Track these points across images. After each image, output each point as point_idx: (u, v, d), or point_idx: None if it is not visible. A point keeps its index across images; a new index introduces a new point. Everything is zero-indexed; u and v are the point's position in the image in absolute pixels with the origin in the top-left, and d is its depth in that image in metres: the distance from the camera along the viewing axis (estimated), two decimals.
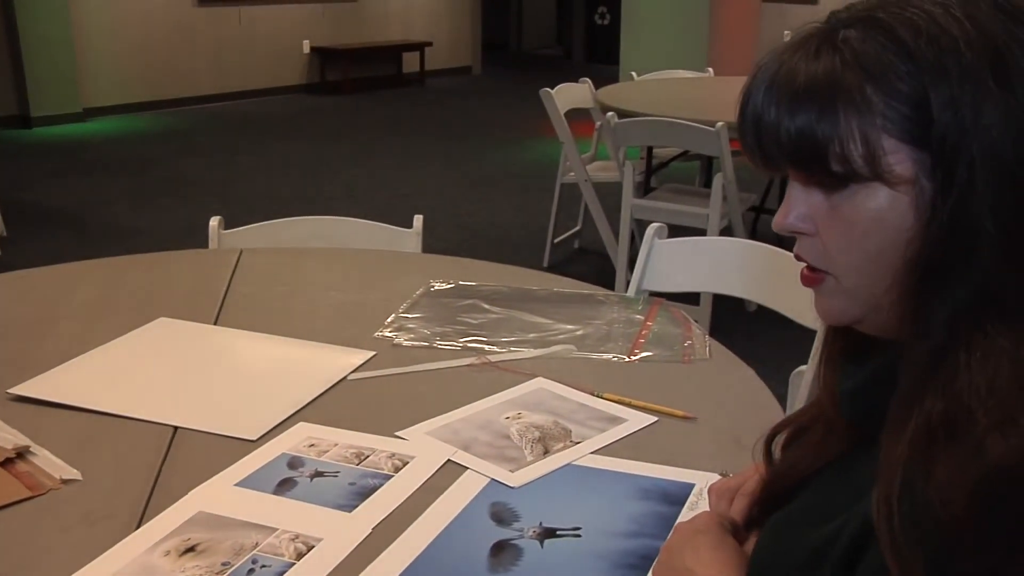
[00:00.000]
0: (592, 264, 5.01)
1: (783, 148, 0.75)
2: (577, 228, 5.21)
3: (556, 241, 5.00)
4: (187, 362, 1.55)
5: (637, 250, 2.05)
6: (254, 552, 1.05)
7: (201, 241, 2.24)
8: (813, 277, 0.79)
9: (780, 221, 0.78)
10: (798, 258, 0.80)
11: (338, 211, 2.50)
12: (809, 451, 0.88)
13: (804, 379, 1.85)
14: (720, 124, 3.70)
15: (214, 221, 2.21)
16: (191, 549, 1.05)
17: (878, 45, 0.71)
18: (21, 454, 1.23)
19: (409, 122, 9.54)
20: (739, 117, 0.78)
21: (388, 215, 2.51)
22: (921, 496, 0.65)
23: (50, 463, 1.22)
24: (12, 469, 1.20)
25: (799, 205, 0.77)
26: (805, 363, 1.86)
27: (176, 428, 1.33)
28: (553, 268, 4.82)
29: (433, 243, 2.22)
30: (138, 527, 1.10)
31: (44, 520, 1.12)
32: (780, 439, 0.94)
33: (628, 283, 2.02)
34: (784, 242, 1.96)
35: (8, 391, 1.41)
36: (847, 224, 0.74)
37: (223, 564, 1.03)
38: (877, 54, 0.71)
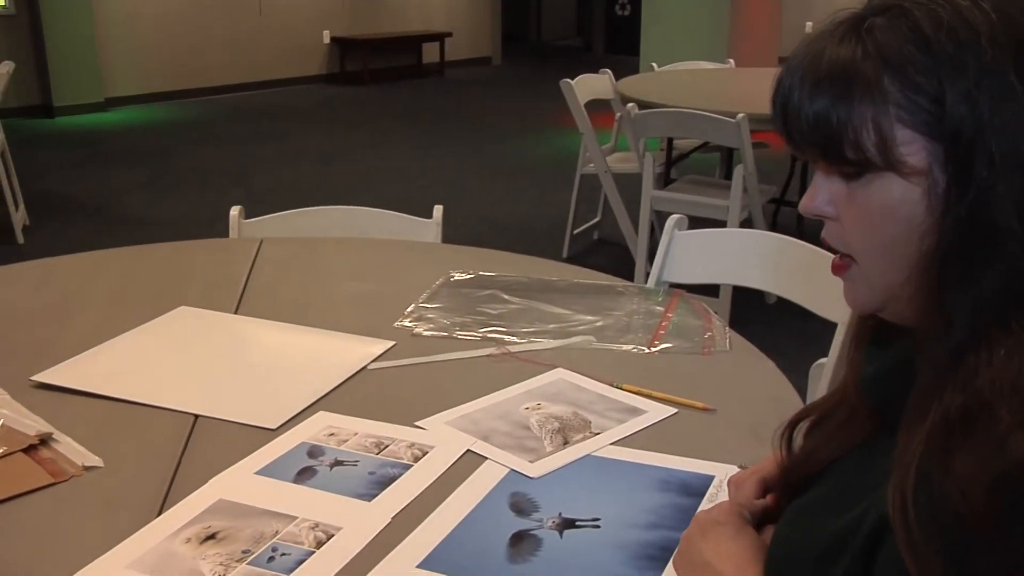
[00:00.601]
0: (611, 255, 5.00)
1: (804, 132, 0.76)
2: (596, 219, 5.20)
3: (575, 232, 5.00)
4: (208, 351, 1.56)
5: (656, 242, 2.04)
6: (274, 540, 1.05)
7: (221, 230, 2.25)
8: (840, 265, 0.80)
9: (806, 204, 0.80)
10: (824, 242, 0.81)
11: (358, 201, 2.50)
12: (830, 438, 0.88)
13: (824, 372, 1.84)
14: (741, 115, 3.69)
15: (234, 211, 2.22)
16: (211, 537, 1.06)
17: (900, 36, 0.71)
18: (44, 441, 1.24)
19: (429, 113, 9.54)
20: (771, 99, 0.79)
21: (407, 205, 2.51)
22: (939, 490, 0.65)
23: (72, 450, 1.23)
24: (35, 455, 1.21)
25: (823, 190, 0.79)
26: (825, 356, 1.85)
27: (197, 416, 1.34)
28: (572, 259, 4.81)
29: (452, 233, 2.22)
30: (159, 514, 1.10)
31: (66, 506, 1.13)
32: (802, 427, 0.94)
33: (647, 274, 2.01)
34: (804, 234, 1.95)
35: (31, 378, 1.42)
36: (863, 212, 0.75)
37: (243, 552, 1.03)
38: (898, 45, 0.71)
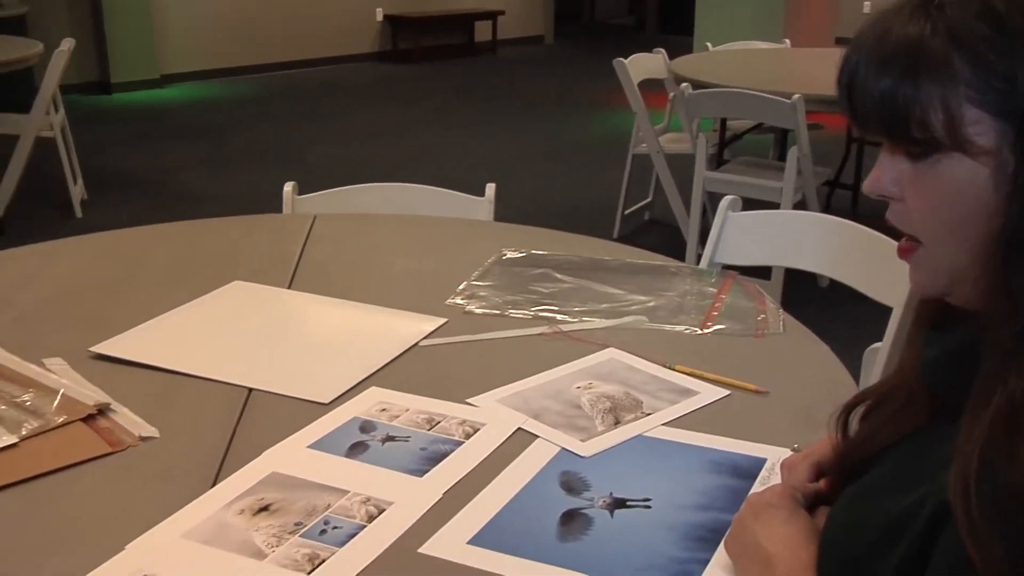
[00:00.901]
0: (662, 236, 4.97)
1: (869, 111, 0.75)
2: (648, 200, 5.17)
3: (627, 212, 4.97)
4: (261, 325, 1.57)
5: (708, 223, 2.03)
6: (326, 513, 1.06)
7: (275, 206, 2.27)
8: (906, 248, 0.79)
9: (870, 184, 0.79)
10: (888, 223, 0.80)
11: (410, 178, 2.51)
12: (887, 423, 0.87)
13: (879, 356, 1.82)
14: (796, 96, 3.64)
15: (288, 187, 2.23)
16: (264, 509, 1.07)
17: (971, 14, 0.70)
18: (102, 410, 1.26)
19: (481, 91, 9.53)
20: (837, 76, 0.78)
21: (460, 183, 2.51)
22: (1003, 477, 0.64)
23: (129, 420, 1.25)
24: (94, 425, 1.23)
25: (888, 170, 0.77)
26: (879, 340, 1.83)
27: (251, 390, 1.35)
28: (623, 239, 4.77)
29: (503, 212, 2.22)
30: (213, 486, 1.12)
31: (123, 476, 1.14)
32: (858, 411, 0.93)
33: (698, 256, 2.00)
34: (859, 217, 1.93)
35: (89, 349, 1.44)
36: (928, 193, 0.74)
37: (296, 524, 1.04)
38: (968, 23, 0.69)
